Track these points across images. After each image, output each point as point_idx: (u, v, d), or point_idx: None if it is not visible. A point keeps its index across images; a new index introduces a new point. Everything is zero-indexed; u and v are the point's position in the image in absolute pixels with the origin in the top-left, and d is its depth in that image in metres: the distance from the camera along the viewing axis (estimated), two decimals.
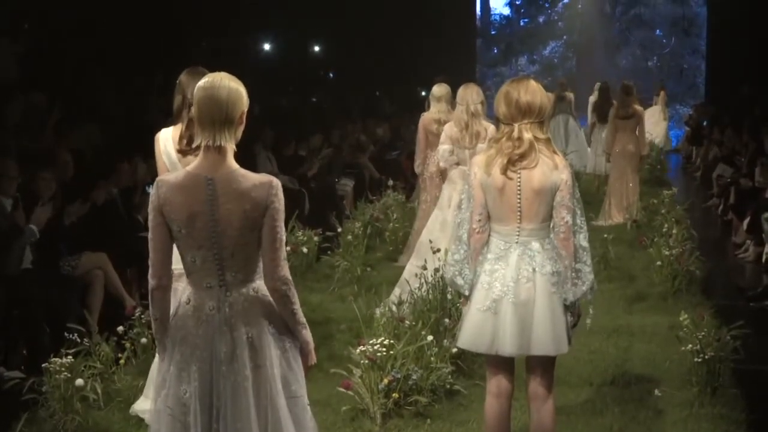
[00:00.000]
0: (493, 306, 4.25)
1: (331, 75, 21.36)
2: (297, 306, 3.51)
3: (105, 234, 7.86)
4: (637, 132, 11.96)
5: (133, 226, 8.38)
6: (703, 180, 16.13)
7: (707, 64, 24.70)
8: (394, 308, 6.39)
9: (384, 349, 5.57)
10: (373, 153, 15.48)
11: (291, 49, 19.16)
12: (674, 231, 9.22)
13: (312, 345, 3.61)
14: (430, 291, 6.67)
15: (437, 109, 8.69)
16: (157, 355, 3.76)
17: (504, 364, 4.42)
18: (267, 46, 18.87)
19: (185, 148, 4.92)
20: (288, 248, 8.80)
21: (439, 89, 8.77)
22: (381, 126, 17.32)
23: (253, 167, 3.82)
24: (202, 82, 3.45)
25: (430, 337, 5.89)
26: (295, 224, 9.37)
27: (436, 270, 6.65)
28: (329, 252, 9.60)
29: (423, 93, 22.65)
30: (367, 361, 5.55)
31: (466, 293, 4.39)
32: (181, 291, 3.56)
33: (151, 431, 3.57)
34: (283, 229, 3.47)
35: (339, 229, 10.14)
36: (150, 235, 3.49)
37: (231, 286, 3.45)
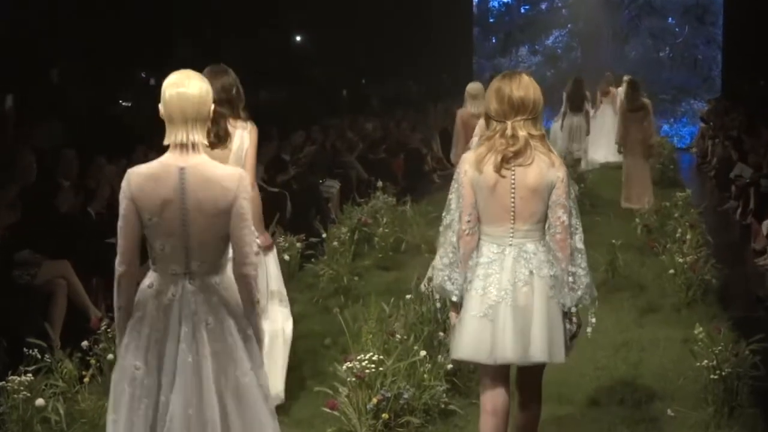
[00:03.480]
0: (489, 312, 4.31)
1: (315, 66, 21.36)
2: (257, 294, 3.96)
3: (68, 240, 7.84)
4: (645, 123, 13.51)
5: (99, 231, 8.36)
6: (720, 181, 16.16)
7: (723, 55, 24.75)
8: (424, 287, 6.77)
9: (373, 366, 5.57)
10: (361, 151, 15.49)
11: (270, 38, 19.15)
12: (688, 236, 9.23)
13: (264, 335, 4.26)
14: (423, 302, 6.67)
15: (474, 105, 9.75)
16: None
17: (501, 376, 4.48)
18: (244, 35, 18.82)
19: (212, 142, 5.37)
20: None
21: (475, 87, 10.02)
22: (370, 122, 17.33)
23: None
24: (171, 81, 3.81)
25: (423, 353, 5.89)
26: (276, 229, 9.34)
27: (430, 279, 6.66)
28: (313, 259, 9.59)
29: (414, 87, 22.82)
30: (354, 379, 5.54)
31: (455, 299, 4.46)
32: (146, 277, 3.96)
33: (108, 404, 4.00)
34: (251, 219, 3.90)
35: (324, 235, 10.13)
36: (120, 223, 3.86)
37: (195, 275, 3.87)
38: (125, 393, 3.87)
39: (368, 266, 10.02)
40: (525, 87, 4.31)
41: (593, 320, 4.66)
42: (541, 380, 4.61)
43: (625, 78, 16.90)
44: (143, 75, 15.65)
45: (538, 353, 4.31)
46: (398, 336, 6.07)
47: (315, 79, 20.63)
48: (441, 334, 6.33)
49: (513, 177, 4.29)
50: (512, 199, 4.30)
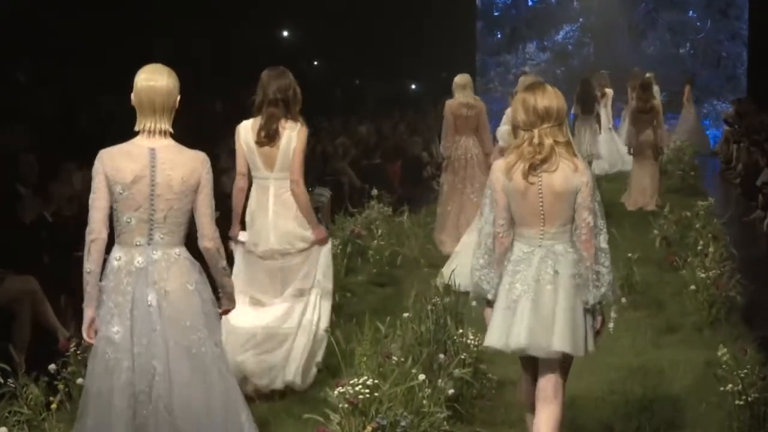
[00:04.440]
0: (513, 305, 4.97)
1: (303, 63, 21.36)
2: (225, 262, 4.97)
3: (33, 253, 7.83)
4: (654, 124, 14.70)
5: (67, 243, 8.36)
6: (745, 188, 16.20)
7: (749, 52, 24.81)
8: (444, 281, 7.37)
9: (367, 391, 5.56)
10: (355, 157, 15.51)
11: (253, 32, 19.15)
12: (711, 249, 9.23)
13: (233, 289, 5.12)
14: (422, 321, 6.68)
15: (463, 95, 11.33)
16: None
17: (531, 368, 5.13)
18: (224, 31, 18.83)
19: (262, 140, 6.55)
20: None
21: (462, 78, 11.42)
22: (364, 124, 17.36)
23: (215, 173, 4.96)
24: (142, 74, 4.73)
25: (421, 377, 5.88)
26: None
27: (429, 298, 6.69)
28: None
29: (413, 86, 22.85)
30: (347, 405, 5.54)
31: (490, 297, 5.11)
32: (112, 251, 4.79)
33: (88, 371, 4.81)
34: (212, 198, 4.80)
35: None
36: (92, 197, 4.72)
37: (158, 246, 4.74)
38: (105, 356, 4.69)
39: (362, 282, 10.02)
40: (549, 97, 4.94)
41: (614, 315, 5.17)
42: (560, 378, 5.06)
43: (648, 75, 17.45)
44: (117, 75, 15.67)
45: (558, 342, 4.87)
46: (395, 358, 6.07)
47: (304, 77, 20.60)
48: (441, 356, 6.35)
49: (540, 183, 4.93)
50: (540, 204, 4.95)
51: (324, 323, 6.83)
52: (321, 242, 6.80)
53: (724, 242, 9.75)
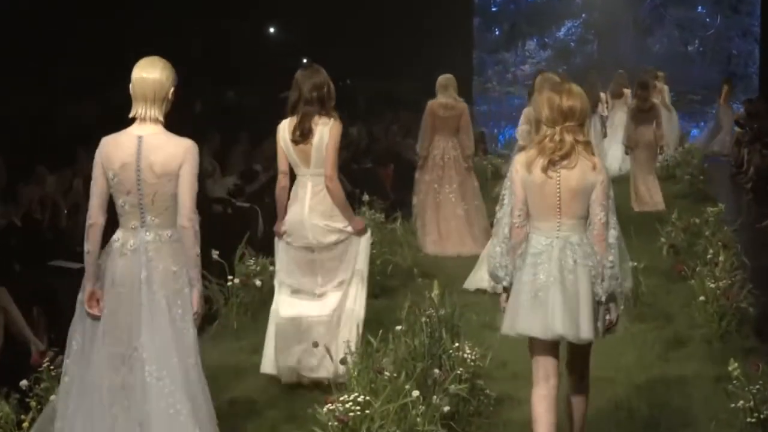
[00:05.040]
0: (540, 294, 5.46)
1: (291, 61, 21.37)
2: (198, 250, 5.41)
3: (3, 263, 7.82)
4: (654, 124, 15.42)
5: (41, 253, 8.36)
6: (758, 194, 16.23)
7: (761, 50, 24.85)
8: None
9: (358, 408, 5.57)
10: (345, 160, 15.50)
11: (238, 29, 19.14)
12: (721, 258, 9.24)
13: (199, 288, 5.49)
14: (416, 334, 6.69)
15: (444, 95, 11.99)
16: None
17: (552, 349, 5.58)
18: (207, 27, 18.82)
19: (297, 138, 7.05)
20: (237, 280, 8.85)
21: (444, 78, 12.09)
22: (355, 125, 17.36)
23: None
24: (138, 65, 5.34)
25: (415, 393, 5.89)
26: (246, 250, 9.35)
27: (424, 309, 6.72)
28: None
29: (407, 85, 22.82)
30: (336, 423, 5.55)
31: (506, 284, 5.64)
32: (114, 234, 5.44)
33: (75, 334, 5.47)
34: (196, 182, 5.34)
35: None
36: (92, 183, 5.39)
37: (150, 228, 5.38)
38: (93, 325, 5.37)
39: None
40: (574, 97, 5.47)
41: (621, 307, 5.65)
42: (589, 360, 5.71)
43: (659, 74, 17.98)
44: (90, 76, 15.69)
45: (586, 332, 5.42)
46: (387, 373, 6.08)
47: (291, 76, 20.62)
48: (436, 371, 6.35)
49: (558, 178, 5.46)
50: (558, 198, 5.48)
51: (363, 311, 7.29)
52: (360, 233, 7.28)
53: (734, 250, 9.76)
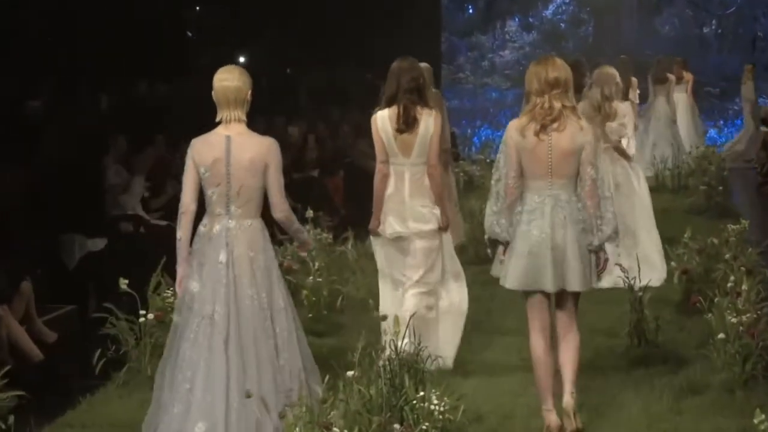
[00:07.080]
0: (534, 250, 7.25)
1: (218, 47, 21.36)
2: (298, 224, 7.74)
3: None
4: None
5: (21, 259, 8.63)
6: None
7: None
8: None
9: None
10: (284, 167, 15.48)
11: (152, 8, 19.11)
12: (744, 287, 9.20)
13: (308, 238, 8.51)
14: (372, 381, 6.68)
15: None
16: None
17: (545, 302, 7.44)
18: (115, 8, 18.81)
19: (402, 128, 8.64)
20: (151, 316, 8.85)
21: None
22: (295, 124, 17.34)
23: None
24: (218, 75, 7.24)
25: None
26: (162, 278, 9.27)
27: (381, 350, 6.72)
28: None
29: (359, 76, 22.86)
30: None
31: (505, 238, 7.43)
32: (203, 219, 7.32)
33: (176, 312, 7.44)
34: (282, 176, 7.35)
35: None
36: (184, 177, 7.26)
37: (233, 217, 7.22)
38: (186, 303, 7.24)
39: None
40: (558, 68, 7.28)
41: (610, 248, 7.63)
42: (576, 309, 7.45)
43: (679, 59, 18.15)
44: (60, 70, 15.80)
45: (574, 283, 7.29)
46: (336, 430, 6.07)
47: (217, 65, 20.61)
48: (396, 426, 6.35)
49: (550, 141, 7.25)
50: (549, 159, 7.26)
51: (465, 303, 9.07)
52: (445, 228, 8.89)
53: (761, 277, 9.77)
